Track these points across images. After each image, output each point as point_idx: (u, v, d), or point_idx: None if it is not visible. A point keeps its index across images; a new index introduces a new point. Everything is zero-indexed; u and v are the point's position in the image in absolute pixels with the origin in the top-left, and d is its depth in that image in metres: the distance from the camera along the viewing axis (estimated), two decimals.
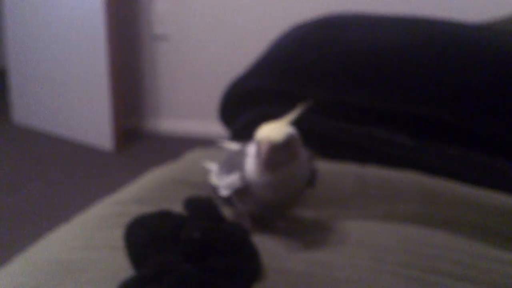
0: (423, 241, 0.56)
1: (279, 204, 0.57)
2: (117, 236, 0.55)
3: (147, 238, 0.44)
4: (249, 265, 0.40)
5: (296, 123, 0.98)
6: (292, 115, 0.55)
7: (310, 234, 0.58)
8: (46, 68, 2.46)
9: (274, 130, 0.51)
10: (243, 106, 1.10)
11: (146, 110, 2.61)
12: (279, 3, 2.28)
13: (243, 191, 0.56)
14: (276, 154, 0.51)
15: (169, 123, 2.59)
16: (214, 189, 0.65)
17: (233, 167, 0.58)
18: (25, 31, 2.49)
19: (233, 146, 0.71)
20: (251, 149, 0.55)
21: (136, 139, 2.48)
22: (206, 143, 1.12)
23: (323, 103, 0.97)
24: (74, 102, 2.39)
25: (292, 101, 0.99)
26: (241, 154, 0.58)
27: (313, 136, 0.97)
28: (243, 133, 1.09)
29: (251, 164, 0.54)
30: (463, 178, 0.78)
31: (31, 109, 2.58)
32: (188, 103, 2.54)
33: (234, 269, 0.39)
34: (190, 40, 2.45)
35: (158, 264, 0.40)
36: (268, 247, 0.52)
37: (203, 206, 0.48)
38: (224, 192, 0.59)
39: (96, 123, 2.32)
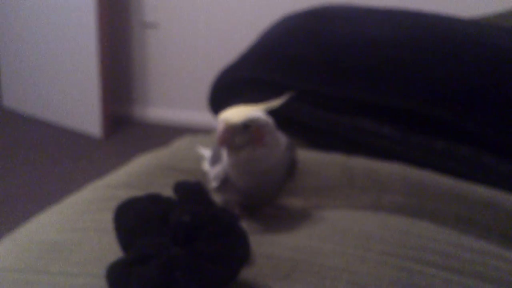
0: (409, 231, 0.56)
1: (257, 193, 0.58)
2: (105, 219, 0.54)
3: (135, 221, 0.43)
4: (237, 249, 0.40)
5: (284, 112, 0.98)
6: (271, 104, 0.56)
7: (297, 222, 0.58)
8: (35, 53, 2.42)
9: (235, 113, 0.53)
10: (232, 95, 1.09)
11: (135, 98, 2.59)
12: None
13: (225, 181, 0.57)
14: (235, 136, 0.52)
15: (158, 111, 2.57)
16: (206, 176, 0.65)
17: (218, 158, 0.59)
18: (15, 16, 2.45)
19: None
20: None
21: (125, 126, 2.47)
22: (195, 131, 1.12)
23: (311, 93, 0.97)
24: (64, 88, 2.36)
25: (280, 90, 1.00)
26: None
27: (301, 125, 0.97)
28: None
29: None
30: (449, 172, 0.78)
31: (20, 95, 2.55)
32: (177, 92, 2.52)
33: (223, 253, 0.39)
34: (180, 28, 2.43)
35: (146, 246, 0.40)
36: (256, 233, 0.52)
37: (192, 191, 0.48)
38: (214, 184, 0.60)
39: (85, 109, 2.30)
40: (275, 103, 0.56)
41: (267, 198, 0.61)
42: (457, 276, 0.47)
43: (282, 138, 0.58)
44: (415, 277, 0.46)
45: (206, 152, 0.71)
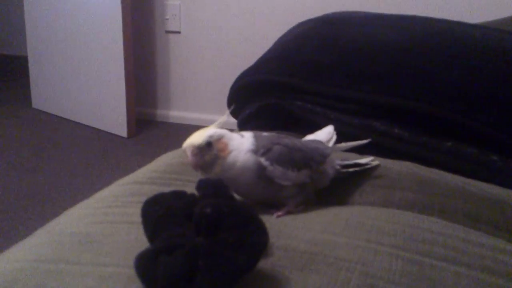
0: (419, 226, 0.55)
1: (248, 194, 0.59)
2: (133, 213, 0.55)
3: (161, 215, 0.43)
4: (257, 239, 0.40)
5: (297, 114, 0.98)
6: (219, 120, 0.58)
7: (313, 217, 0.58)
8: (65, 59, 2.45)
9: (194, 137, 0.55)
10: (249, 98, 1.09)
11: (158, 101, 2.61)
12: (287, 2, 2.27)
13: None
14: (204, 156, 0.54)
15: (180, 113, 2.58)
16: None
17: None
18: (44, 20, 2.48)
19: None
20: None
21: (149, 126, 2.49)
22: None
23: (324, 96, 0.97)
24: (92, 91, 2.38)
25: (296, 92, 1.00)
26: None
27: (314, 126, 0.97)
28: (247, 124, 1.09)
29: None
30: (456, 170, 0.77)
31: (49, 98, 2.58)
32: (198, 96, 2.53)
33: (243, 242, 0.39)
34: (201, 36, 2.44)
35: (171, 237, 0.40)
36: (273, 226, 0.52)
37: (214, 187, 0.48)
38: None
39: (112, 111, 2.32)
40: (222, 119, 0.59)
41: (256, 197, 0.60)
42: (466, 270, 0.47)
43: (246, 143, 0.58)
44: (426, 270, 0.46)
45: None
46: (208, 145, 0.54)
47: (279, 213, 0.58)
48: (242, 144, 0.57)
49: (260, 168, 0.57)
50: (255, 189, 0.58)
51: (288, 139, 0.62)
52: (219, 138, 0.55)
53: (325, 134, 0.75)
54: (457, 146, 0.83)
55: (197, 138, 0.54)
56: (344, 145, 0.70)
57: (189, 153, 0.54)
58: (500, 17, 1.48)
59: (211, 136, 0.55)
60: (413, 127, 0.87)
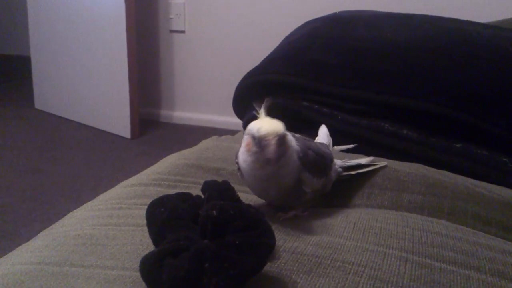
0: (428, 230, 0.55)
1: (269, 194, 0.56)
2: (137, 215, 0.55)
3: (167, 217, 0.44)
4: (263, 241, 0.40)
5: (304, 114, 0.98)
6: (263, 112, 0.55)
7: (320, 220, 0.58)
8: (68, 60, 2.47)
9: (272, 124, 0.50)
10: (256, 98, 1.09)
11: (162, 102, 2.62)
12: (293, 0, 2.27)
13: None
14: (281, 146, 0.50)
15: (184, 114, 2.59)
16: None
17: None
18: (47, 20, 2.50)
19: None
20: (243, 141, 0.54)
21: (153, 127, 2.49)
22: (220, 132, 1.12)
23: (331, 96, 0.97)
24: (95, 92, 2.40)
25: (301, 93, 1.00)
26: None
27: (317, 126, 0.97)
28: None
29: (243, 161, 0.53)
30: (467, 172, 0.77)
31: (52, 99, 2.60)
32: (203, 97, 2.54)
33: (249, 245, 0.39)
34: (206, 36, 2.45)
35: (177, 240, 0.40)
36: (280, 229, 0.52)
37: (220, 189, 0.48)
38: None
39: (115, 112, 2.33)
40: (264, 111, 0.55)
41: (277, 198, 0.58)
42: (476, 274, 0.47)
43: (293, 142, 0.55)
44: (435, 274, 0.46)
45: None
46: (286, 136, 0.51)
47: (286, 215, 0.58)
48: (292, 142, 0.54)
49: (298, 171, 0.55)
50: (284, 191, 0.55)
51: (314, 144, 0.61)
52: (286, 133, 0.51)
53: (326, 136, 0.75)
54: (467, 147, 0.82)
55: (274, 126, 0.50)
56: (336, 148, 0.70)
57: (273, 141, 0.49)
58: (510, 16, 1.48)
59: (283, 126, 0.51)
60: (423, 128, 0.87)
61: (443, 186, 0.68)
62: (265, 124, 0.50)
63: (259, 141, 0.50)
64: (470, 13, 1.55)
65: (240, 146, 0.55)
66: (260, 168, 0.51)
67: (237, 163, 0.56)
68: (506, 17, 1.47)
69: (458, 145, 0.83)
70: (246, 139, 0.52)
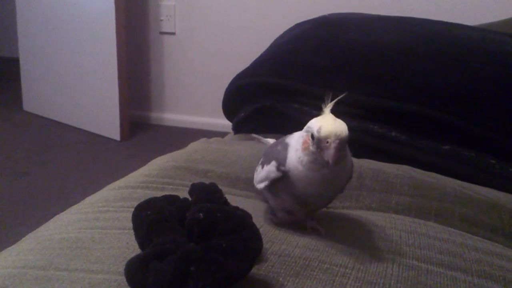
0: (415, 231, 0.55)
1: (318, 200, 0.52)
2: (124, 218, 0.55)
3: (153, 220, 0.43)
4: (250, 244, 0.40)
5: (292, 116, 0.98)
6: (329, 107, 0.50)
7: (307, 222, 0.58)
8: (57, 61, 2.45)
9: (336, 125, 0.46)
10: (245, 101, 1.09)
11: (152, 104, 2.61)
12: (283, 2, 2.27)
13: (279, 182, 0.51)
14: (341, 150, 0.46)
15: (174, 116, 2.58)
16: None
17: (268, 159, 0.53)
18: (36, 21, 2.48)
19: (268, 140, 0.68)
20: (293, 140, 0.51)
21: (142, 129, 2.48)
22: (209, 134, 1.12)
23: (321, 98, 0.97)
24: (84, 94, 2.38)
25: (291, 95, 1.00)
26: (275, 147, 0.54)
27: (302, 126, 0.97)
28: (243, 127, 1.09)
29: (295, 159, 0.49)
30: (454, 174, 0.78)
31: (40, 100, 2.58)
32: (193, 99, 2.53)
33: (236, 248, 0.39)
34: (196, 38, 2.45)
35: (163, 243, 0.40)
36: (267, 232, 0.52)
37: (207, 191, 0.48)
38: (259, 186, 0.54)
39: (105, 114, 2.32)
40: (330, 107, 0.50)
41: (325, 205, 0.56)
42: (463, 275, 0.47)
43: None
44: (422, 276, 0.46)
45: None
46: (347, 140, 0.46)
47: (316, 226, 0.54)
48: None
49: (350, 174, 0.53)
50: (334, 195, 0.54)
51: None
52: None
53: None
54: (456, 149, 0.83)
55: (340, 128, 0.46)
56: None
57: (333, 145, 0.45)
58: (499, 19, 1.49)
59: (346, 128, 0.46)
60: (411, 130, 0.87)
61: (431, 188, 0.69)
62: (327, 124, 0.46)
63: (318, 142, 0.46)
64: (458, 16, 1.57)
65: (283, 149, 0.51)
66: (317, 170, 0.48)
67: (280, 168, 0.50)
68: (493, 20, 1.49)
69: (446, 147, 0.83)
70: (304, 136, 0.48)
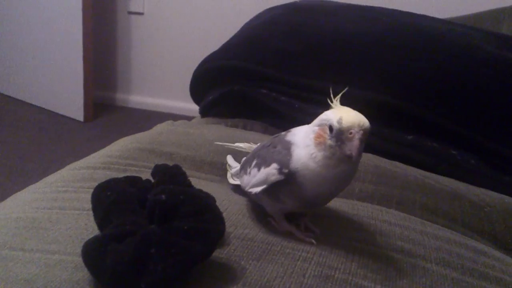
0: (377, 218, 0.56)
1: (326, 199, 0.50)
2: (83, 199, 0.54)
3: (113, 201, 0.42)
4: (213, 227, 0.39)
5: (264, 102, 0.98)
6: (337, 99, 0.46)
7: None
8: (21, 39, 2.37)
9: (355, 115, 0.42)
10: (213, 84, 1.08)
11: (118, 85, 2.56)
12: None
13: (280, 186, 0.47)
14: (362, 145, 0.42)
15: (140, 98, 2.54)
16: (234, 188, 0.61)
17: (266, 161, 0.48)
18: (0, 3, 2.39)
19: (244, 146, 0.64)
20: (298, 137, 0.47)
21: (107, 111, 2.43)
22: (178, 118, 1.10)
23: (289, 84, 0.97)
24: (48, 73, 2.31)
25: (259, 80, 0.99)
26: (272, 147, 0.49)
27: (279, 116, 0.97)
28: (210, 111, 1.08)
29: (306, 156, 0.45)
30: (418, 164, 0.79)
31: (1, 76, 2.49)
32: (161, 81, 2.49)
33: (198, 230, 0.38)
34: (165, 18, 2.40)
35: (123, 224, 0.39)
36: (231, 216, 0.52)
37: (171, 173, 0.47)
38: (254, 190, 0.50)
39: (68, 94, 2.26)
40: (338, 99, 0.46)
41: (325, 203, 0.53)
42: (422, 262, 0.48)
43: None
44: (382, 262, 0.46)
45: (231, 161, 0.65)
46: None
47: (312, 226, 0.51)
48: None
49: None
50: (331, 199, 0.51)
51: None
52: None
53: None
54: (419, 139, 0.84)
55: (359, 117, 0.42)
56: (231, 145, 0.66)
57: (359, 135, 0.42)
58: (465, 14, 1.52)
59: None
60: (377, 119, 0.88)
61: (394, 177, 0.70)
62: (349, 114, 0.43)
63: (339, 134, 0.42)
64: (427, 9, 1.59)
65: (285, 149, 0.47)
66: (334, 166, 0.44)
67: (283, 171, 0.46)
68: (461, 15, 1.51)
69: (410, 137, 0.84)
70: (315, 131, 0.45)
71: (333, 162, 0.43)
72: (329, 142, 0.43)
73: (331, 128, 0.43)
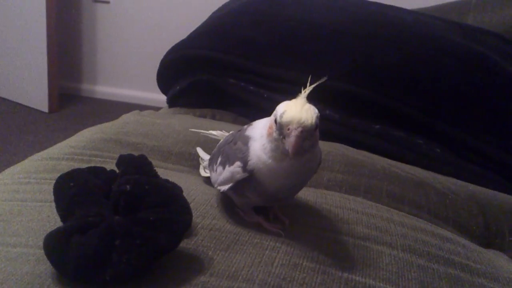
0: (344, 206, 0.56)
1: (287, 194, 0.48)
2: (46, 190, 0.52)
3: (76, 192, 0.41)
4: (179, 218, 0.39)
5: (233, 92, 0.97)
6: (306, 91, 0.43)
7: None
8: None
9: (302, 111, 0.40)
10: (180, 74, 1.07)
11: (84, 75, 2.50)
12: None
13: (244, 182, 0.46)
14: (306, 139, 0.41)
15: (106, 89, 2.49)
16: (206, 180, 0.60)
17: (230, 159, 0.48)
18: None
19: (217, 133, 0.62)
20: (257, 131, 0.46)
21: (73, 101, 2.38)
22: (145, 109, 1.09)
23: (257, 74, 0.96)
24: (11, 63, 2.24)
25: (228, 70, 0.99)
26: (234, 145, 0.48)
27: (247, 105, 0.97)
28: (178, 101, 1.06)
29: (260, 147, 0.44)
30: (384, 153, 0.80)
31: None
32: (127, 71, 2.45)
33: (164, 221, 0.37)
34: (131, 7, 2.36)
35: (86, 216, 0.38)
36: (199, 206, 0.51)
37: (136, 163, 0.46)
38: (222, 189, 0.49)
39: (32, 84, 2.20)
40: (308, 90, 0.43)
41: (291, 197, 0.52)
42: (389, 249, 0.48)
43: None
44: (349, 249, 0.47)
45: (202, 154, 0.64)
46: (316, 128, 0.41)
47: (281, 216, 0.51)
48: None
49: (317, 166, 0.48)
50: (300, 189, 0.50)
51: None
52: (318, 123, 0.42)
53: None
54: (386, 129, 0.85)
55: (306, 115, 0.40)
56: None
57: (296, 132, 0.40)
58: (431, 5, 1.54)
59: (317, 117, 0.41)
60: (345, 109, 0.89)
61: (361, 166, 0.70)
62: (292, 109, 0.41)
63: (280, 128, 0.41)
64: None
65: (244, 145, 0.46)
66: (281, 160, 0.43)
67: (246, 169, 0.45)
68: (427, 5, 1.53)
69: (377, 127, 0.85)
70: (270, 120, 0.43)
71: (278, 155, 0.43)
72: (274, 134, 0.42)
73: (276, 120, 0.42)
